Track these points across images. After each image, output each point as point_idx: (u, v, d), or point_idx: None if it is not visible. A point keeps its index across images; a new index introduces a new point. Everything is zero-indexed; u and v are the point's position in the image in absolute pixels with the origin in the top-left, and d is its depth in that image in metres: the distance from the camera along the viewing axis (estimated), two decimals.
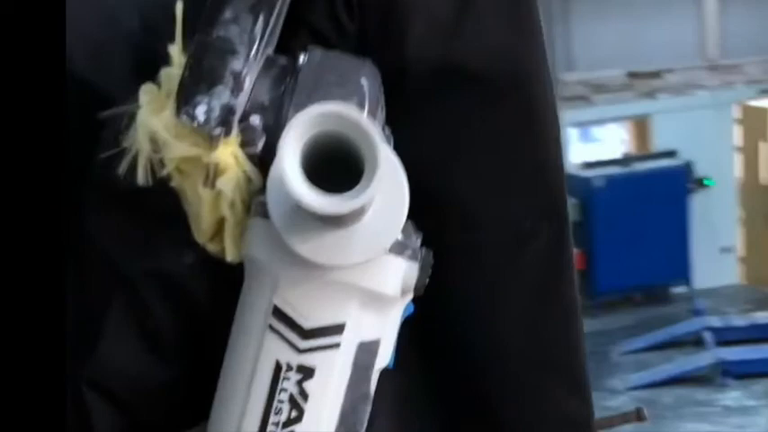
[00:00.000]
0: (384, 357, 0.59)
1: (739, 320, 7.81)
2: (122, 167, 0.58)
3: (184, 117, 0.56)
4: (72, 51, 0.59)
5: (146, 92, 0.59)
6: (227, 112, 0.57)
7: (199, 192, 0.56)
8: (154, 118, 0.57)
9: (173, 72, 0.58)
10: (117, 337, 0.59)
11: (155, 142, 0.57)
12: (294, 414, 0.55)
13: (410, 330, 0.67)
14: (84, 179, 0.61)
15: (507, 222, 0.69)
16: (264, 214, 0.55)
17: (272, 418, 0.55)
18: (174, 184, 0.57)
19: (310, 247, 0.54)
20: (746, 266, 9.21)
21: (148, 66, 0.60)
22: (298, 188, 0.47)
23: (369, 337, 0.58)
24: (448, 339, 0.73)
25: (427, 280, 0.60)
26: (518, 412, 0.74)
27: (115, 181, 0.58)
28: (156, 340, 0.60)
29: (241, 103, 0.58)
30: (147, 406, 0.60)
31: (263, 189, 0.55)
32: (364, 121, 0.48)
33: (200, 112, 0.56)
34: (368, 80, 0.60)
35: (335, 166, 0.49)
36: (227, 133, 0.57)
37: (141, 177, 0.57)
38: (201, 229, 0.57)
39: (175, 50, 0.59)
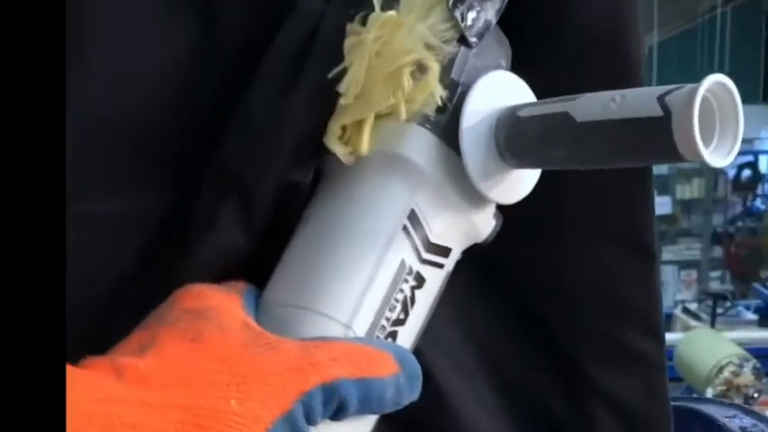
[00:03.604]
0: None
1: None
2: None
3: (458, 13, 0.56)
4: None
5: None
6: (486, 27, 0.57)
7: (398, 84, 0.55)
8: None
9: None
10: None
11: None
12: (402, 316, 0.56)
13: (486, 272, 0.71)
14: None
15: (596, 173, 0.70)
16: (427, 126, 0.56)
17: (387, 313, 0.55)
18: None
19: (489, 184, 0.57)
20: None
21: None
22: (702, 149, 0.47)
23: (451, 268, 0.60)
24: (526, 281, 0.74)
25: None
26: (591, 350, 0.75)
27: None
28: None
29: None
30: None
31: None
32: (736, 92, 0.49)
33: (471, 17, 0.56)
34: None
35: None
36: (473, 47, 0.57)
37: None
38: (339, 125, 0.56)
39: None
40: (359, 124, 0.56)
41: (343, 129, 0.56)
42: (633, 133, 0.49)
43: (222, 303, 0.53)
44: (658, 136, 0.47)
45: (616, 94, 0.50)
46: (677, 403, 0.84)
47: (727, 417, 0.91)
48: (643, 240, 0.73)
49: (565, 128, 0.52)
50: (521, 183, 0.59)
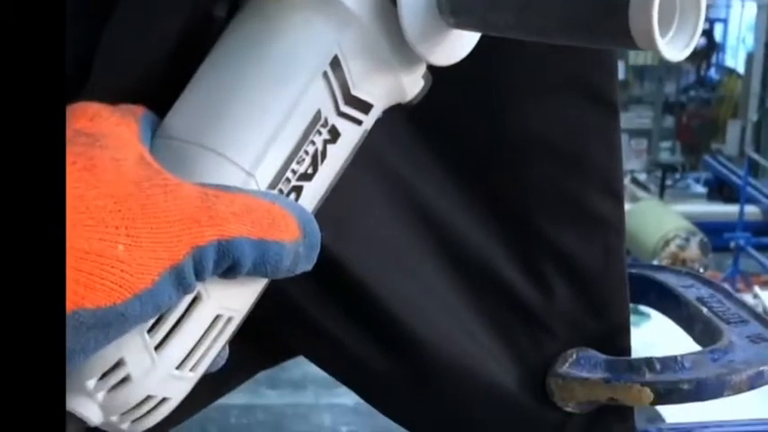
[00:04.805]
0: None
1: None
2: None
3: None
4: None
5: None
6: None
7: None
8: None
9: None
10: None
11: None
12: (310, 171, 0.53)
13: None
14: None
15: None
16: None
17: (294, 165, 0.52)
18: None
19: (423, 41, 0.53)
20: None
21: None
22: (657, 38, 0.45)
23: (369, 127, 0.56)
24: (478, 128, 0.70)
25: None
26: (546, 208, 0.72)
27: None
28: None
29: None
30: None
31: None
32: None
33: None
34: None
35: None
36: None
37: None
38: None
39: None
40: None
41: None
42: (586, 8, 0.47)
43: (118, 130, 0.49)
44: (612, 17, 0.46)
45: None
46: (632, 270, 0.81)
47: (683, 286, 0.86)
48: (605, 93, 0.70)
49: None
50: (457, 45, 0.56)
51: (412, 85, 0.57)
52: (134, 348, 0.48)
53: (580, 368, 0.70)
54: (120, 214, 0.44)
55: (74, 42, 0.54)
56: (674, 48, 0.47)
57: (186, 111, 0.53)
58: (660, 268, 0.91)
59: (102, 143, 0.47)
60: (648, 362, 0.68)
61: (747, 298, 4.83)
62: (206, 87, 0.54)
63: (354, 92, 0.54)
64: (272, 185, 0.52)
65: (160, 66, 0.56)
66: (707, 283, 0.87)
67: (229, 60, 0.54)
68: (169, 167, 0.48)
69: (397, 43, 0.54)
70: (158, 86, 0.55)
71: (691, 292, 0.84)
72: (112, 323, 0.44)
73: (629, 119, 8.12)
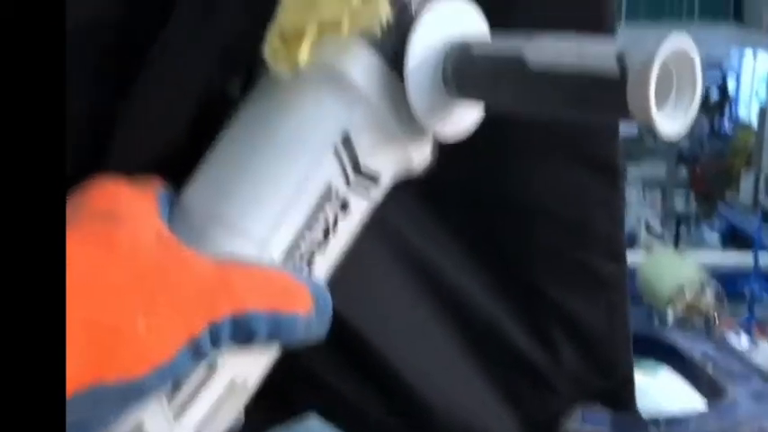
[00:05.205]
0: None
1: None
2: None
3: None
4: None
5: None
6: None
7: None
8: None
9: None
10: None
11: None
12: (322, 242, 0.55)
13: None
14: None
15: None
16: (372, 45, 0.54)
17: (306, 237, 0.54)
18: None
19: (431, 116, 0.55)
20: None
21: None
22: (655, 118, 0.47)
23: (378, 198, 0.57)
24: (483, 197, 0.71)
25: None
26: (551, 273, 0.73)
27: None
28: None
29: None
30: None
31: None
32: (697, 58, 0.50)
33: None
34: None
35: None
36: None
37: None
38: (279, 32, 0.54)
39: None
40: (299, 36, 0.54)
41: (283, 39, 0.54)
42: (586, 90, 0.49)
43: (136, 205, 0.50)
44: (612, 96, 0.47)
45: (574, 43, 0.50)
46: (638, 330, 0.76)
47: (689, 344, 0.86)
48: (607, 159, 0.71)
49: (516, 72, 0.52)
50: (464, 117, 0.58)
51: (420, 157, 0.58)
52: (152, 414, 0.49)
53: (586, 425, 0.71)
54: (141, 291, 0.45)
55: (93, 113, 0.57)
56: (672, 123, 0.48)
57: (201, 185, 0.55)
58: (665, 327, 0.92)
59: (121, 219, 0.48)
60: (654, 419, 0.70)
61: (763, 345, 4.80)
62: (220, 162, 0.55)
63: (364, 165, 0.55)
64: (285, 257, 0.53)
65: (177, 140, 0.57)
66: (712, 340, 0.89)
67: (243, 136, 0.55)
68: (186, 241, 0.50)
69: (404, 117, 0.55)
70: (175, 161, 0.56)
71: (696, 349, 0.85)
72: (132, 396, 0.45)
73: (643, 170, 8.10)
